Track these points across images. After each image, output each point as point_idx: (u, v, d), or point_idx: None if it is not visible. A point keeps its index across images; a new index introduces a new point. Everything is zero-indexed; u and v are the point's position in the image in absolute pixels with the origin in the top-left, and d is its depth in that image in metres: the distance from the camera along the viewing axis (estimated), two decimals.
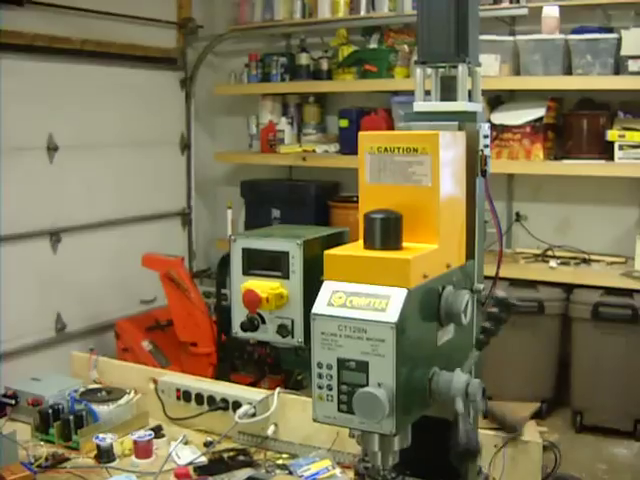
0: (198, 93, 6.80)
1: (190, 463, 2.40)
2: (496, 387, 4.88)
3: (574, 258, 5.35)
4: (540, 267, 5.27)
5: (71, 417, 2.54)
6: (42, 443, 2.56)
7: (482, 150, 1.75)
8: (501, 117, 5.27)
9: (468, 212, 1.74)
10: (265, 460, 2.44)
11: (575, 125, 5.27)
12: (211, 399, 2.63)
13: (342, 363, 1.50)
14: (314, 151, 6.18)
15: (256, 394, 2.59)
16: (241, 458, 2.44)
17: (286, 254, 1.71)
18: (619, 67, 4.94)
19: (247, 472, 2.35)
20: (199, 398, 2.66)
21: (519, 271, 5.12)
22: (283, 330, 1.73)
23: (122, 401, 2.69)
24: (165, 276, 5.43)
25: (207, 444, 2.52)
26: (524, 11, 5.25)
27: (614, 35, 4.93)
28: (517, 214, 5.69)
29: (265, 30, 6.53)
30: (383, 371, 1.46)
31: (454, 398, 1.57)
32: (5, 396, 2.75)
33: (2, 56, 5.08)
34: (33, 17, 5.27)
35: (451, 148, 1.64)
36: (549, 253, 5.44)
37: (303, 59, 6.31)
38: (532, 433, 2.22)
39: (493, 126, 4.98)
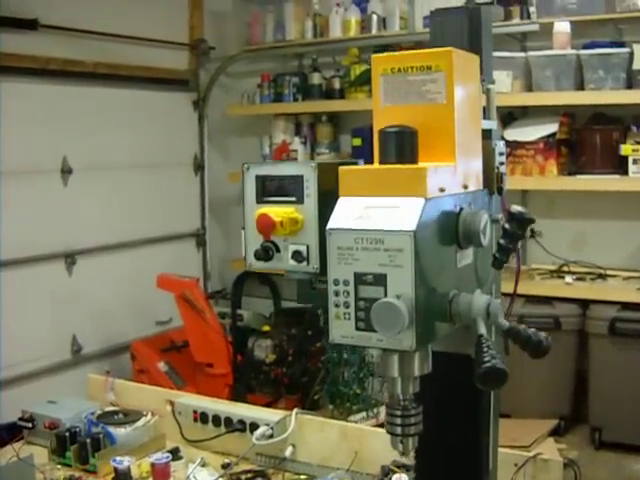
0: (211, 114, 6.83)
1: None
2: (514, 404, 4.89)
3: (590, 273, 5.32)
4: (556, 283, 5.24)
5: (88, 440, 2.53)
6: (59, 467, 2.54)
7: (498, 167, 1.74)
8: (514, 133, 5.27)
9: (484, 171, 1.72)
10: None
11: (588, 140, 5.26)
12: (228, 420, 2.62)
13: (359, 277, 1.45)
14: None
15: (273, 415, 2.57)
16: None
17: (300, 177, 1.66)
18: (631, 81, 4.93)
19: None
20: (216, 420, 2.64)
21: (535, 287, 5.10)
22: (298, 256, 1.66)
23: (139, 423, 2.68)
24: (180, 297, 5.43)
25: (225, 466, 2.51)
26: (535, 27, 5.25)
27: (626, 49, 4.93)
28: (532, 230, 5.66)
29: (277, 50, 6.55)
30: (401, 282, 1.41)
31: (475, 319, 1.52)
32: (22, 419, 2.74)
33: (17, 80, 5.12)
34: (47, 41, 5.31)
35: (465, 67, 1.61)
36: (564, 269, 5.42)
37: (315, 78, 6.32)
38: (551, 450, 2.19)
39: (506, 143, 4.97)
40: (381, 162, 1.56)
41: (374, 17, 5.93)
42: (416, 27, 5.68)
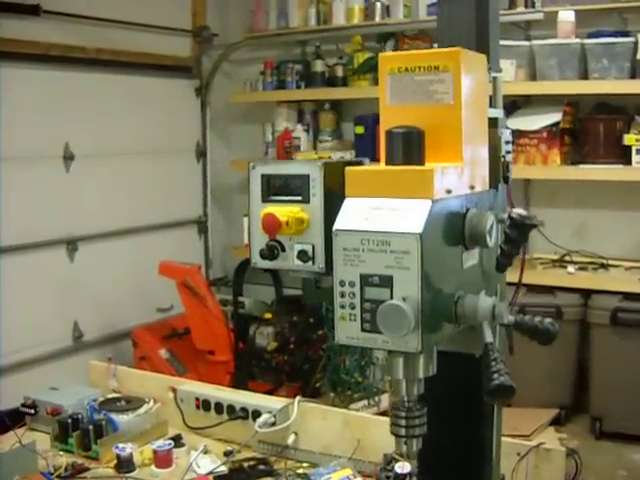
0: (213, 101, 6.81)
1: (210, 472, 2.38)
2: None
3: (592, 263, 5.31)
4: (558, 273, 5.24)
5: (90, 427, 2.53)
6: (61, 453, 2.55)
7: (504, 156, 1.74)
8: (517, 122, 5.25)
9: (490, 170, 1.72)
10: (285, 469, 2.42)
11: (592, 130, 5.25)
12: (231, 408, 2.62)
13: (365, 279, 1.46)
14: (330, 158, 6.17)
15: (276, 403, 2.58)
16: (261, 467, 2.43)
17: (306, 177, 1.65)
18: (635, 71, 4.91)
19: None
20: (219, 407, 2.64)
21: (537, 277, 5.10)
22: (304, 255, 1.66)
23: (141, 410, 2.68)
24: (182, 284, 5.43)
25: (227, 453, 2.51)
26: (539, 16, 5.23)
27: (630, 39, 4.91)
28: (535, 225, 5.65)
29: (280, 37, 6.53)
30: (407, 284, 1.42)
31: (482, 324, 1.53)
32: (24, 405, 2.74)
33: (19, 65, 5.11)
34: (49, 27, 5.30)
35: (473, 67, 1.61)
36: (567, 258, 5.41)
37: (318, 66, 6.31)
38: (552, 440, 2.19)
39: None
40: (387, 163, 1.55)
41: (378, 4, 5.91)
42: (420, 15, 5.65)
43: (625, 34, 5.01)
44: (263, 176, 1.70)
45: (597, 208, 5.52)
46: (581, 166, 5.20)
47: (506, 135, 1.76)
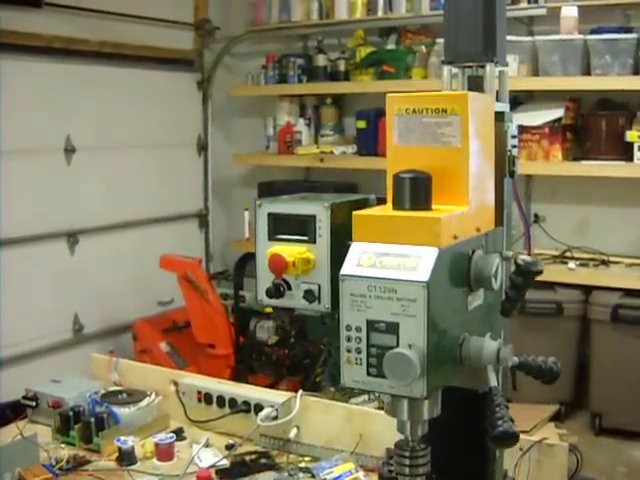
0: (215, 95, 6.81)
1: (212, 466, 2.38)
2: (515, 389, 4.88)
3: (593, 259, 5.31)
4: (559, 268, 5.24)
5: (92, 419, 2.53)
6: (63, 445, 2.55)
7: (510, 150, 1.73)
8: (520, 118, 5.24)
9: (496, 206, 1.72)
10: (287, 463, 2.42)
11: (594, 126, 5.25)
12: (232, 401, 2.62)
13: (371, 325, 1.46)
14: (332, 152, 6.18)
15: (278, 397, 2.57)
16: (263, 461, 2.43)
17: (313, 217, 1.66)
18: (638, 67, 4.92)
19: (269, 475, 2.35)
20: (220, 400, 2.64)
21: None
22: (310, 295, 1.67)
23: (143, 403, 2.68)
24: (183, 277, 5.43)
25: (229, 447, 2.51)
26: (542, 11, 5.23)
27: (633, 35, 4.91)
28: (535, 215, 5.66)
29: (282, 31, 6.53)
30: (414, 332, 1.42)
31: (486, 368, 1.55)
32: (26, 398, 2.74)
33: (20, 58, 5.10)
34: (51, 19, 5.29)
35: (480, 110, 1.61)
36: (568, 254, 5.41)
37: (320, 60, 6.30)
38: (552, 436, 2.19)
39: None
40: (395, 207, 1.55)
41: None
42: (422, 9, 5.65)
43: (628, 30, 5.01)
44: (269, 215, 1.71)
45: (598, 204, 5.52)
46: (583, 162, 5.20)
47: (512, 129, 1.76)
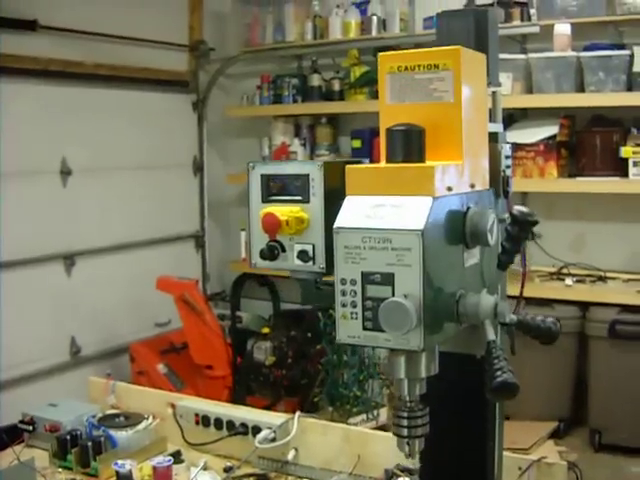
0: (210, 115, 6.82)
1: None
2: (513, 406, 4.86)
3: (590, 276, 5.31)
4: (555, 285, 5.24)
5: (89, 443, 2.51)
6: (60, 470, 2.53)
7: (504, 171, 1.74)
8: (514, 135, 5.26)
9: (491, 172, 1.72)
10: None
11: (588, 142, 5.26)
12: (230, 424, 2.60)
13: (367, 277, 1.45)
14: None
15: (276, 418, 2.56)
16: None
17: (306, 176, 1.64)
18: (632, 83, 4.93)
19: None
20: (218, 423, 2.63)
21: (534, 290, 5.09)
22: (304, 255, 1.65)
23: (141, 426, 2.66)
24: (180, 299, 5.43)
25: (227, 469, 2.50)
26: (536, 29, 5.25)
27: (626, 52, 4.94)
28: (532, 232, 5.64)
29: (276, 52, 6.54)
30: (409, 282, 1.41)
31: (484, 323, 1.53)
32: (22, 422, 2.73)
33: (17, 81, 5.11)
34: (47, 42, 5.31)
35: (473, 65, 1.61)
36: (564, 271, 5.41)
37: (315, 80, 6.31)
38: (551, 453, 2.18)
39: None
40: (388, 161, 1.54)
41: (374, 19, 5.93)
42: (416, 29, 5.68)
43: (621, 47, 5.03)
44: (263, 176, 1.70)
45: (594, 220, 5.53)
46: (578, 179, 5.21)
47: (506, 150, 1.77)
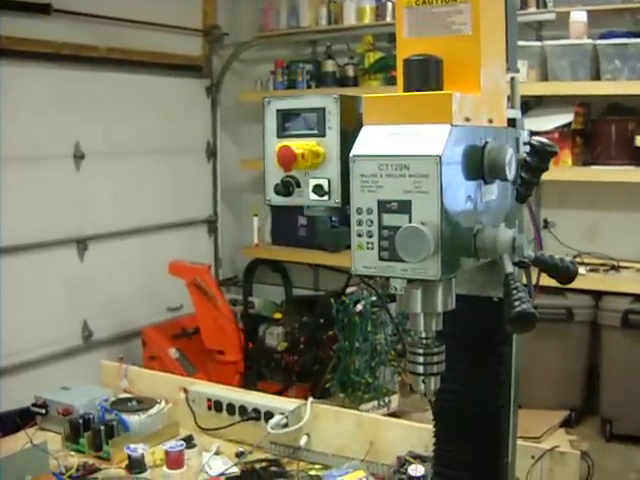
0: (224, 100, 6.81)
1: (222, 474, 2.37)
2: (525, 395, 4.84)
3: (603, 265, 5.29)
4: None
5: (102, 427, 2.52)
6: (73, 453, 2.54)
7: (524, 158, 1.72)
8: (529, 123, 5.17)
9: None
10: (298, 471, 2.40)
11: (603, 131, 5.24)
12: (242, 409, 2.60)
13: (383, 205, 1.43)
14: None
15: (288, 404, 2.56)
16: (273, 469, 2.41)
17: (322, 110, 1.61)
18: None
19: None
20: (230, 408, 2.63)
21: (547, 278, 5.03)
22: (319, 190, 1.60)
23: (153, 411, 2.67)
24: (192, 284, 5.43)
25: (239, 454, 2.50)
26: (551, 16, 5.22)
27: None
28: (545, 221, 5.64)
29: (291, 37, 6.53)
30: (427, 209, 1.39)
31: (502, 256, 1.50)
32: (35, 405, 2.74)
33: (30, 65, 5.11)
34: (60, 26, 5.30)
35: None
36: (578, 260, 5.38)
37: (329, 66, 6.30)
38: (562, 442, 2.17)
39: None
40: (405, 90, 1.52)
41: (389, 4, 5.90)
42: None
43: (637, 35, 4.99)
44: (278, 111, 1.66)
45: (608, 209, 5.50)
46: (593, 167, 5.19)
47: (524, 136, 1.75)
